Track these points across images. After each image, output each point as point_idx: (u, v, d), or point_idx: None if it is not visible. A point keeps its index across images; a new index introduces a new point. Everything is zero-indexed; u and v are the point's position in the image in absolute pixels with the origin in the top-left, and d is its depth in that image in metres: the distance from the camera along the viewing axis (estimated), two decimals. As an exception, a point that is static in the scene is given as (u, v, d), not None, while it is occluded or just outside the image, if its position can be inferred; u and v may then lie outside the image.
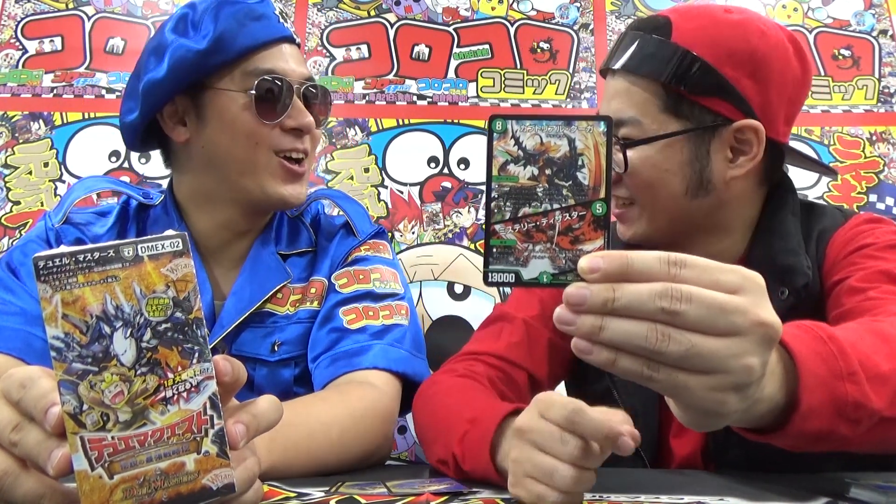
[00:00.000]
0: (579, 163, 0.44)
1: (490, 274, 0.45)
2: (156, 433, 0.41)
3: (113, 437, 0.40)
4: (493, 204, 0.45)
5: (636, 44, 0.84)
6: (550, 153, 0.45)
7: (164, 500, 0.41)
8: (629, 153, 0.82)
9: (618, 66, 0.85)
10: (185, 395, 0.42)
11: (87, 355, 0.39)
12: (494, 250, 0.45)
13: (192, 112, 0.91)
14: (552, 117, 0.45)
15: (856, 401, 0.50)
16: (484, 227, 0.45)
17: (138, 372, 0.41)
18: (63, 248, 0.39)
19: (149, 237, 0.41)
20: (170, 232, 0.43)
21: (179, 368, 0.42)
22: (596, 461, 0.53)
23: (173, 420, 0.41)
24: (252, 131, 0.88)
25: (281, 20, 0.92)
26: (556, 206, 0.44)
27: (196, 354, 0.42)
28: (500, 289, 1.68)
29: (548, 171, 0.45)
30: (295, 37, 0.94)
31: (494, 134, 0.45)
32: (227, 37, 0.87)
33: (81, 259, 0.39)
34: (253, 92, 0.88)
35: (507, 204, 0.45)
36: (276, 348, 0.92)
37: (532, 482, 0.54)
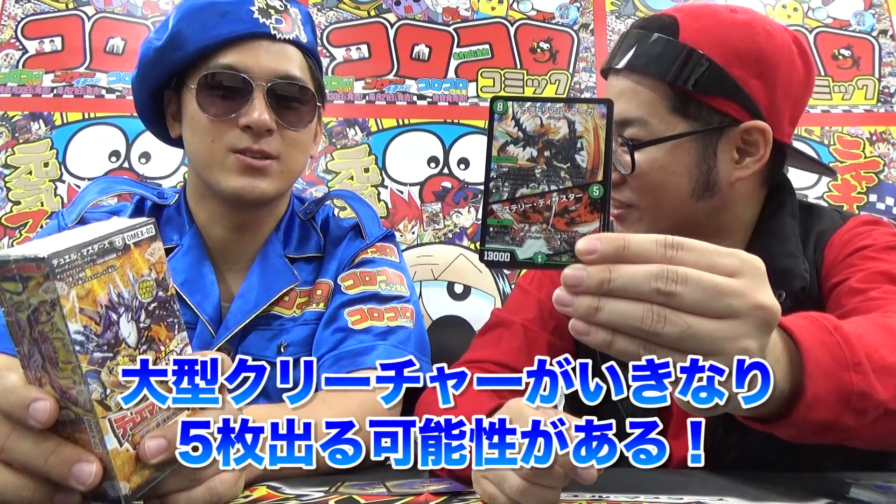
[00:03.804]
0: (578, 145, 0.45)
1: (486, 252, 0.45)
2: None
3: (131, 413, 0.44)
4: (491, 184, 0.45)
5: (642, 43, 0.82)
6: (550, 135, 0.45)
7: None
8: (636, 155, 0.79)
9: (622, 65, 0.82)
10: None
11: (102, 343, 0.42)
12: (491, 229, 0.45)
13: (178, 108, 0.93)
14: (553, 99, 0.45)
15: (861, 391, 0.50)
16: (482, 206, 0.45)
17: (141, 350, 0.45)
18: (62, 242, 0.41)
19: (128, 226, 0.45)
20: (142, 219, 0.47)
21: (167, 341, 0.47)
22: (550, 480, 0.52)
23: None
24: (206, 128, 0.88)
25: (262, 17, 0.89)
26: (553, 187, 0.45)
27: (176, 327, 0.48)
28: (500, 289, 1.68)
29: (547, 153, 0.45)
30: (276, 32, 0.89)
31: (495, 115, 0.45)
32: (185, 34, 0.87)
33: (86, 253, 0.41)
34: (193, 87, 0.87)
35: (506, 184, 0.45)
36: (282, 350, 0.92)
37: (487, 482, 0.55)
